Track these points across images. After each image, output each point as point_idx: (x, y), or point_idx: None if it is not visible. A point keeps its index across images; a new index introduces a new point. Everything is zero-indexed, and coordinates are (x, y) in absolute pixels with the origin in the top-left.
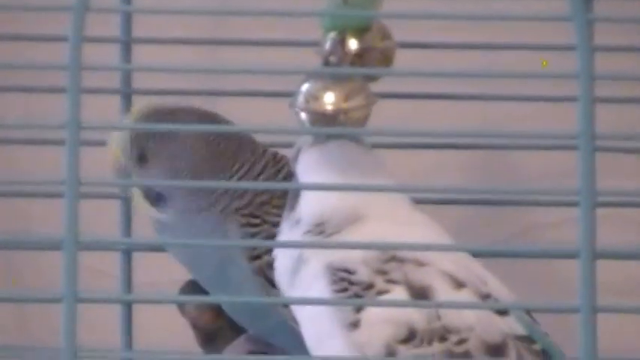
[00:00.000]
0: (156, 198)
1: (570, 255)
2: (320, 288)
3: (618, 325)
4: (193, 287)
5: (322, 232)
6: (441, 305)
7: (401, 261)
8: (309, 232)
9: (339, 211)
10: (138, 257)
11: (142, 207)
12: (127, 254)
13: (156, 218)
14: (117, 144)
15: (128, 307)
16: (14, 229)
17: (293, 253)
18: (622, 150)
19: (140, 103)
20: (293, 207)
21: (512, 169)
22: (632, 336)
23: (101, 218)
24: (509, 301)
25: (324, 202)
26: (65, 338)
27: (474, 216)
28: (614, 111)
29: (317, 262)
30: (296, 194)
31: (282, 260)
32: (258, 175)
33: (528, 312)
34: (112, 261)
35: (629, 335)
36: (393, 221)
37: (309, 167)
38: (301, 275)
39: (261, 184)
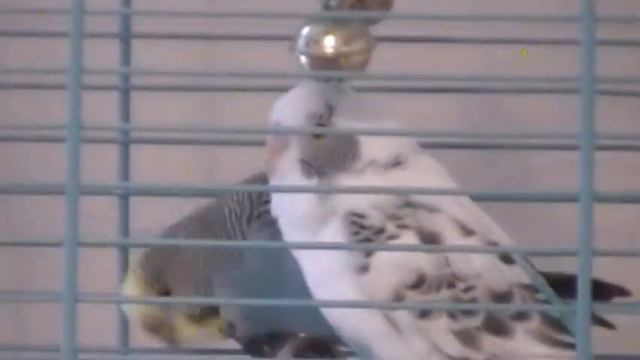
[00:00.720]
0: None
1: (570, 198)
2: (333, 231)
3: (614, 270)
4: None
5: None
6: (441, 250)
7: (414, 207)
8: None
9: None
10: (135, 203)
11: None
12: (125, 199)
13: None
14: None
15: (125, 251)
16: (14, 175)
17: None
18: (622, 93)
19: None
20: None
21: (511, 114)
22: (629, 280)
23: (97, 164)
24: (508, 245)
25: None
26: (66, 284)
27: (473, 160)
28: (615, 56)
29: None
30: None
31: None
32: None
33: (526, 258)
34: (108, 207)
35: (626, 280)
36: (415, 167)
37: (352, 115)
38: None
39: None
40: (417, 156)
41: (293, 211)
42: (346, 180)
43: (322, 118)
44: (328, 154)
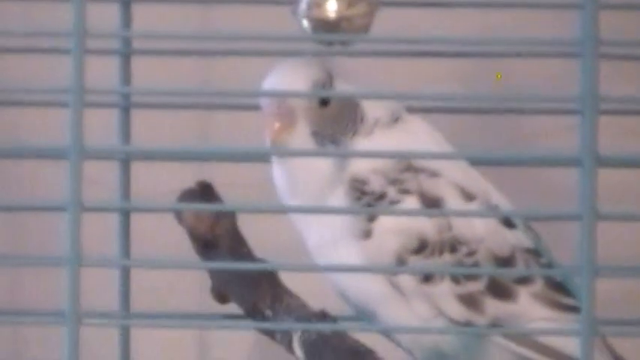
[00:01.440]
0: None
1: (572, 162)
2: (337, 198)
3: (617, 235)
4: (192, 195)
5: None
6: (443, 213)
7: (416, 171)
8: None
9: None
10: (136, 167)
11: None
12: (126, 164)
13: None
14: None
15: (127, 216)
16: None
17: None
18: (625, 57)
19: None
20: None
21: (512, 78)
22: (632, 245)
23: (97, 129)
24: (511, 209)
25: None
26: (70, 248)
27: (473, 125)
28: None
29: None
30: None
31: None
32: None
33: (527, 223)
34: (109, 172)
35: (629, 244)
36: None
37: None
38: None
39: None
40: (408, 116)
41: (307, 180)
42: (358, 143)
43: (325, 86)
44: (337, 121)
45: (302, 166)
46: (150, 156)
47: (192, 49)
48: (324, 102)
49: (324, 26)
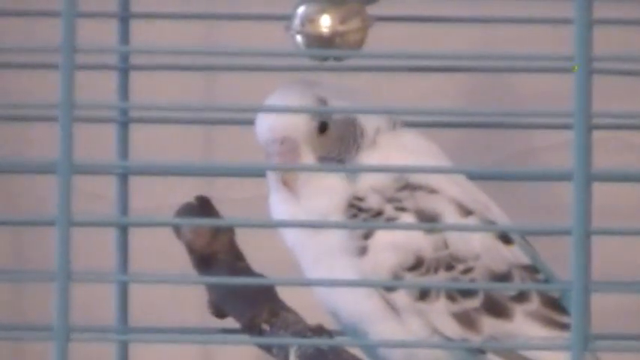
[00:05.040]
0: None
1: (564, 177)
2: (337, 214)
3: (614, 251)
4: (190, 210)
5: None
6: (435, 227)
7: (413, 188)
8: None
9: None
10: (134, 182)
11: None
12: (124, 178)
13: None
14: None
15: (124, 231)
16: (8, 153)
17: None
18: (618, 72)
19: None
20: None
21: (510, 93)
22: (627, 261)
23: (97, 143)
24: (502, 224)
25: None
26: (59, 263)
27: (471, 141)
28: (612, 35)
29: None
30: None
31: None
32: None
33: (524, 238)
34: (109, 186)
35: (624, 261)
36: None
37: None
38: None
39: None
40: (404, 129)
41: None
42: (364, 157)
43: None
44: (339, 142)
45: (319, 194)
46: (144, 171)
47: (187, 65)
48: (323, 127)
49: (317, 42)
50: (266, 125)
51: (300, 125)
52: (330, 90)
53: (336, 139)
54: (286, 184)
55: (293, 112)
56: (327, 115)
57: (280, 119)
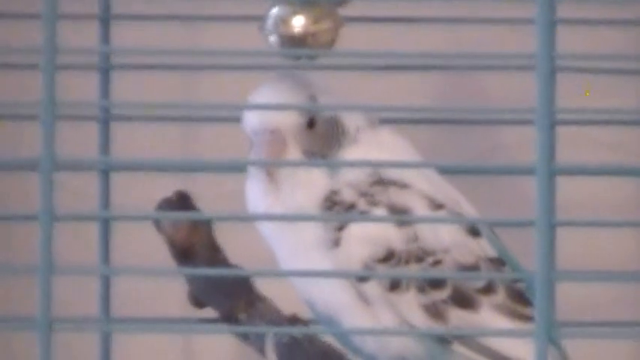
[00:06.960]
0: None
1: (527, 171)
2: (313, 208)
3: (577, 245)
4: (170, 204)
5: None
6: (405, 219)
7: (386, 184)
8: None
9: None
10: (116, 178)
11: None
12: (105, 174)
13: None
14: None
15: (106, 225)
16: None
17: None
18: (580, 70)
19: None
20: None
21: (480, 92)
22: (590, 253)
23: (80, 142)
24: (470, 216)
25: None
26: (42, 257)
27: (440, 138)
28: (576, 34)
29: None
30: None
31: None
32: None
33: (493, 231)
34: (92, 183)
35: (588, 253)
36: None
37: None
38: None
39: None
40: (380, 127)
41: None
42: (347, 153)
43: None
44: (324, 138)
45: (299, 189)
46: (125, 167)
47: (166, 64)
48: (312, 123)
49: (290, 42)
50: (257, 115)
51: (290, 119)
52: (318, 87)
53: (321, 135)
54: (270, 174)
55: (280, 109)
56: (317, 111)
57: (272, 111)
